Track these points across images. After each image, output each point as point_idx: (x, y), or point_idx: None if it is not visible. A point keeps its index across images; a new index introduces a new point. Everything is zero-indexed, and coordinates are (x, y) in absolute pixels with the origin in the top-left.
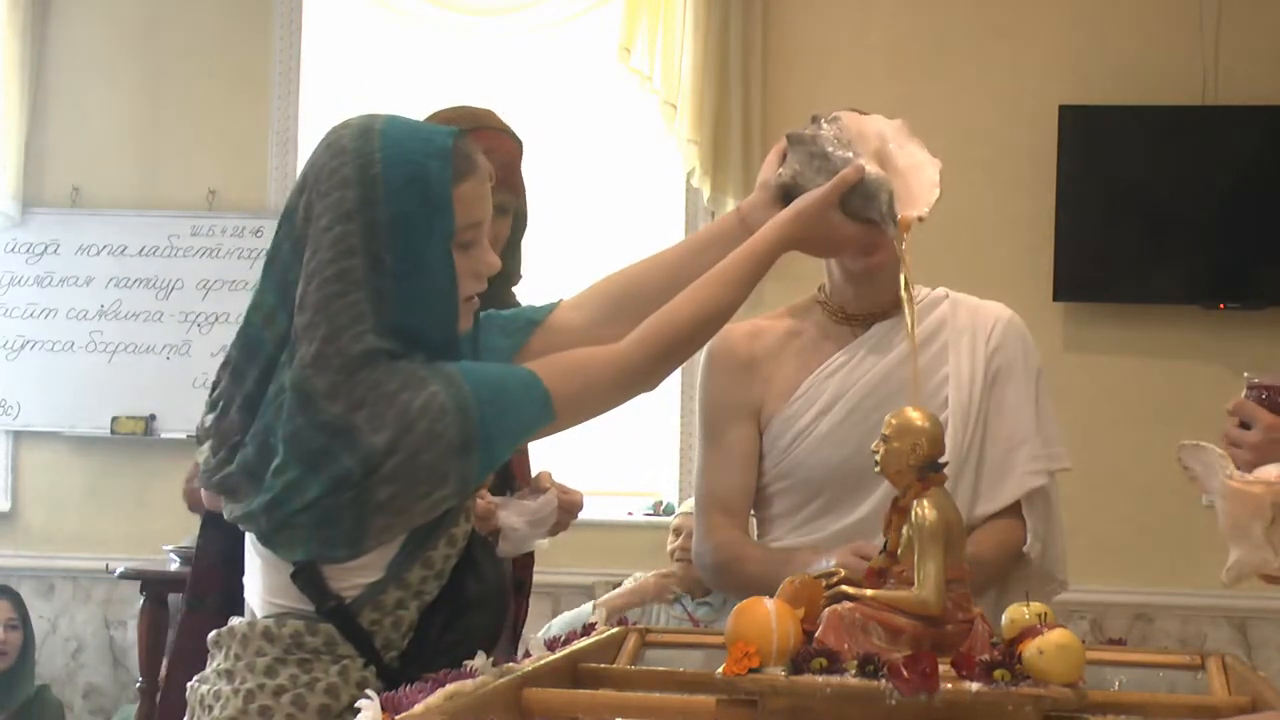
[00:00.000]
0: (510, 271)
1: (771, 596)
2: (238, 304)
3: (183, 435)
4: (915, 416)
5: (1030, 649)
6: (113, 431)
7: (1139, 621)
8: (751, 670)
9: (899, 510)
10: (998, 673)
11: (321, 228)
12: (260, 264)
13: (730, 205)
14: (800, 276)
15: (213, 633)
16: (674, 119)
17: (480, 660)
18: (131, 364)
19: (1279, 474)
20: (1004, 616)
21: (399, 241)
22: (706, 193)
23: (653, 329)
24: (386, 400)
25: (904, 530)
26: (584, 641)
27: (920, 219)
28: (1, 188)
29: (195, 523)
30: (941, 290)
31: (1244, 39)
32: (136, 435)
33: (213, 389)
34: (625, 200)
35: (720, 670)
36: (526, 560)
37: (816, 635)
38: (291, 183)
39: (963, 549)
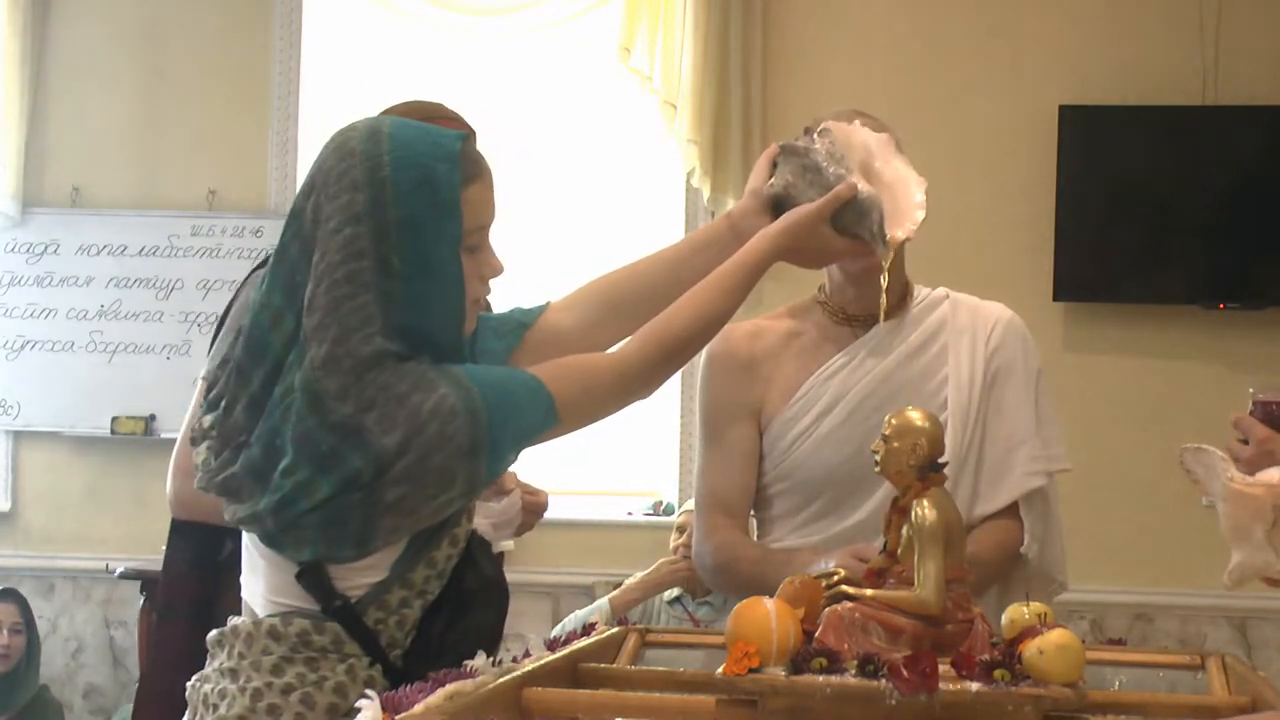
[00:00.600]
0: None
1: (771, 597)
2: None
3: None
4: (915, 417)
5: (1030, 649)
6: (112, 431)
7: (1139, 621)
8: (751, 670)
9: (899, 510)
10: (998, 673)
11: (330, 230)
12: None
13: (731, 205)
14: (800, 277)
15: (213, 632)
16: (674, 119)
17: (480, 660)
18: (131, 364)
19: None
20: (1004, 616)
21: (408, 244)
22: (706, 193)
23: (652, 336)
24: (397, 402)
25: (904, 530)
26: (584, 641)
27: (907, 239)
28: (1, 188)
29: None
30: (942, 290)
31: (1244, 39)
32: (136, 435)
33: (209, 389)
34: (625, 200)
35: (720, 670)
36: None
37: (816, 635)
38: (291, 183)
39: (963, 549)
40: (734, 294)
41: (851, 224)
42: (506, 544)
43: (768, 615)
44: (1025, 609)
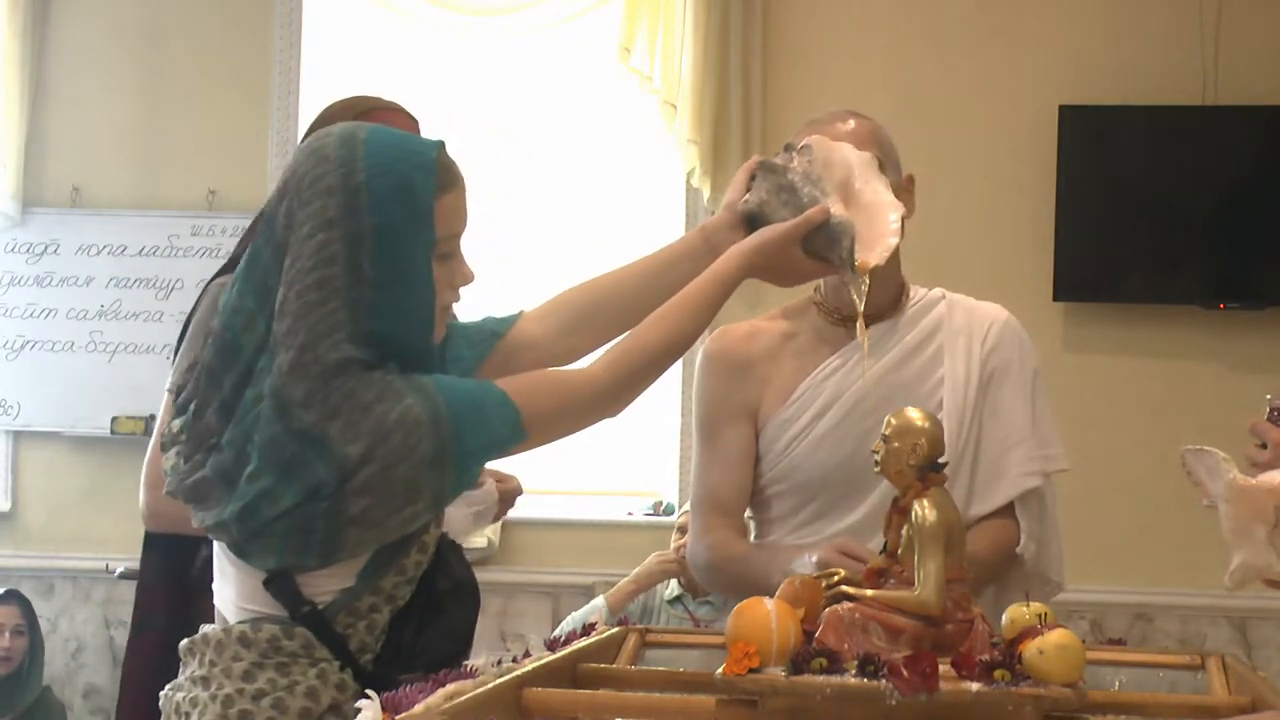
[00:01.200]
0: None
1: (760, 595)
2: None
3: None
4: (916, 417)
5: (1030, 649)
6: (112, 431)
7: (1139, 621)
8: (751, 670)
9: (899, 510)
10: (998, 673)
11: (303, 235)
12: None
13: None
14: None
15: (185, 640)
16: (674, 119)
17: (481, 660)
18: (131, 364)
19: None
20: (1004, 616)
21: (381, 251)
22: (706, 193)
23: (622, 356)
24: (362, 410)
25: (904, 530)
26: (584, 641)
27: (877, 266)
28: (1, 188)
29: None
30: (938, 291)
31: (1244, 39)
32: (136, 435)
33: (177, 393)
34: (625, 200)
35: (720, 670)
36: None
37: (816, 635)
38: None
39: (963, 549)
40: (704, 313)
41: (822, 248)
42: (486, 532)
43: (768, 615)
44: (1025, 609)
